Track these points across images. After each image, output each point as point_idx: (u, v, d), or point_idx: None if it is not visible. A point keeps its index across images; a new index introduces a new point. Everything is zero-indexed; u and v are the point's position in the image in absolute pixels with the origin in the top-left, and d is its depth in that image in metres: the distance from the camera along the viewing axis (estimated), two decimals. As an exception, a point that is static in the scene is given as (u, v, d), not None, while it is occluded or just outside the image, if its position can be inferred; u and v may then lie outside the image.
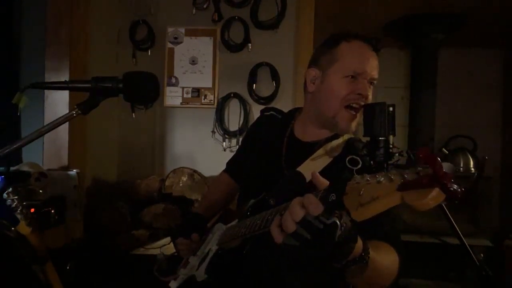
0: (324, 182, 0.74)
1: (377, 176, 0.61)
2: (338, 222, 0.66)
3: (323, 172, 1.04)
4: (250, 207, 1.09)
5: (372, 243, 0.82)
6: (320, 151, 1.14)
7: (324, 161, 1.12)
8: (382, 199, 0.58)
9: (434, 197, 0.53)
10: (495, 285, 1.34)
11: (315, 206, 0.67)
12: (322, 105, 1.17)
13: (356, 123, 1.16)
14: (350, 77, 1.12)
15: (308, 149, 1.16)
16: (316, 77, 1.19)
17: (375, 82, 1.15)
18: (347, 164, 0.73)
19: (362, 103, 1.13)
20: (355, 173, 0.67)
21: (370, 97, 1.14)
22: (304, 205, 0.69)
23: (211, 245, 1.20)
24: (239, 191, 1.39)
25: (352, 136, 1.19)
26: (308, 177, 1.04)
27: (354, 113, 1.14)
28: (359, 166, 0.73)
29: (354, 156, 0.78)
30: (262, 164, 1.26)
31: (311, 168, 1.07)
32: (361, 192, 0.61)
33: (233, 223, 1.15)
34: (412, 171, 0.56)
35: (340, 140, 1.16)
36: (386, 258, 0.89)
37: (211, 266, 1.14)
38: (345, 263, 0.76)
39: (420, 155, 0.55)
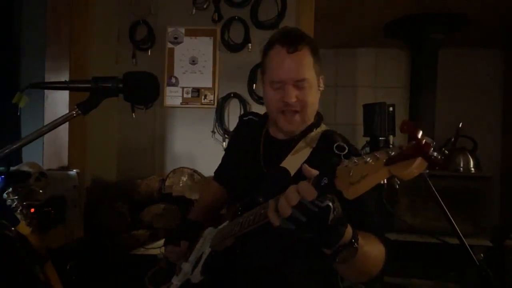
0: (315, 172, 0.76)
1: (364, 157, 0.65)
2: (331, 205, 0.73)
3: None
4: (241, 207, 1.11)
5: (360, 233, 0.85)
6: (301, 144, 1.17)
7: (305, 154, 1.14)
8: (371, 176, 0.62)
9: (417, 165, 0.58)
10: (495, 285, 1.34)
11: (310, 192, 0.72)
12: (267, 110, 1.23)
13: (298, 122, 1.17)
14: (276, 84, 1.14)
15: (283, 147, 1.19)
16: (263, 84, 1.23)
17: (304, 82, 1.12)
18: (335, 150, 0.79)
19: (297, 108, 1.14)
20: (342, 158, 0.72)
21: (305, 98, 1.14)
22: (299, 191, 0.73)
23: (204, 248, 1.20)
24: (228, 197, 1.41)
25: (327, 129, 1.23)
26: (292, 171, 1.09)
27: (291, 116, 1.15)
28: (346, 151, 0.80)
29: (341, 143, 0.84)
30: (242, 166, 1.29)
31: (293, 162, 1.12)
32: (351, 173, 0.65)
33: (224, 224, 1.16)
34: (396, 148, 0.61)
35: (317, 131, 1.20)
36: (373, 248, 0.91)
37: (205, 268, 1.14)
38: (336, 248, 0.79)
39: (404, 127, 0.60)
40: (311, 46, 1.14)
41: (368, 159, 0.64)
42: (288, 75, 1.12)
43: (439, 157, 0.57)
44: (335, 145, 0.81)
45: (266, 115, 1.35)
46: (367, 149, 2.17)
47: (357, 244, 0.81)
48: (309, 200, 0.72)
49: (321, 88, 1.20)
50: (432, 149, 0.57)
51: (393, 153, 0.60)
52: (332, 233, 0.77)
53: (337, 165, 0.68)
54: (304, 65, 1.12)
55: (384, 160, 0.61)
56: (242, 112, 2.62)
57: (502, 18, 3.30)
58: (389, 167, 0.60)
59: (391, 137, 2.18)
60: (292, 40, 1.12)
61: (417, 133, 0.58)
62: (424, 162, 0.58)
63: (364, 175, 0.63)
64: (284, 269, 1.10)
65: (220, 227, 1.17)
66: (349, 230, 0.80)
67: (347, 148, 0.79)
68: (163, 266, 1.35)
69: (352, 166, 0.66)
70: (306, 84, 1.12)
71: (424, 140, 0.57)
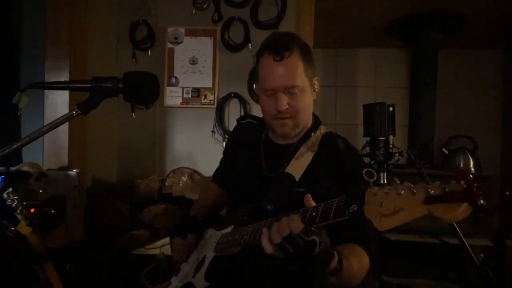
0: (313, 203, 0.84)
1: (397, 188, 0.65)
2: (317, 240, 0.78)
3: (307, 171, 1.12)
4: (247, 213, 1.10)
5: (346, 249, 0.93)
6: (303, 149, 1.18)
7: (307, 159, 1.15)
8: (407, 211, 0.63)
9: (463, 211, 0.58)
10: (495, 285, 1.34)
11: (296, 226, 0.79)
12: (263, 115, 1.22)
13: (291, 126, 1.16)
14: (268, 92, 1.14)
15: (284, 151, 1.20)
16: (257, 91, 1.24)
17: (295, 88, 1.11)
18: (364, 176, 0.76)
19: (289, 114, 1.14)
20: (371, 184, 0.72)
21: (297, 104, 1.13)
22: (289, 223, 0.80)
23: (206, 251, 1.19)
24: (227, 199, 1.40)
25: (327, 131, 1.24)
26: (297, 176, 1.11)
27: (284, 120, 1.15)
28: (375, 178, 0.76)
29: (370, 169, 0.81)
30: (243, 170, 1.28)
31: (297, 166, 1.14)
32: (382, 204, 0.66)
33: (229, 229, 1.15)
34: (437, 186, 0.61)
35: (318, 135, 1.20)
36: (357, 264, 0.97)
37: (210, 273, 1.13)
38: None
39: (459, 175, 0.59)
40: (301, 51, 1.12)
41: (401, 191, 0.63)
42: (277, 83, 1.11)
43: (486, 204, 0.57)
44: (364, 170, 0.79)
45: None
46: (367, 148, 2.17)
47: (342, 269, 0.87)
48: (295, 234, 0.78)
49: (316, 90, 1.19)
50: (481, 197, 0.56)
51: (432, 191, 0.60)
52: (317, 264, 0.82)
53: (365, 191, 0.69)
54: (293, 72, 1.10)
55: (423, 198, 0.60)
56: (242, 112, 2.62)
57: (502, 18, 3.30)
58: (429, 206, 0.60)
59: (391, 137, 2.17)
60: (278, 48, 1.10)
61: (470, 179, 0.57)
62: (470, 208, 0.57)
63: (399, 208, 0.63)
64: (286, 280, 1.09)
65: (225, 231, 1.16)
66: (335, 259, 0.85)
67: (375, 174, 0.78)
68: (164, 266, 1.34)
69: (382, 195, 0.66)
70: (297, 90, 1.11)
71: (476, 188, 0.57)
